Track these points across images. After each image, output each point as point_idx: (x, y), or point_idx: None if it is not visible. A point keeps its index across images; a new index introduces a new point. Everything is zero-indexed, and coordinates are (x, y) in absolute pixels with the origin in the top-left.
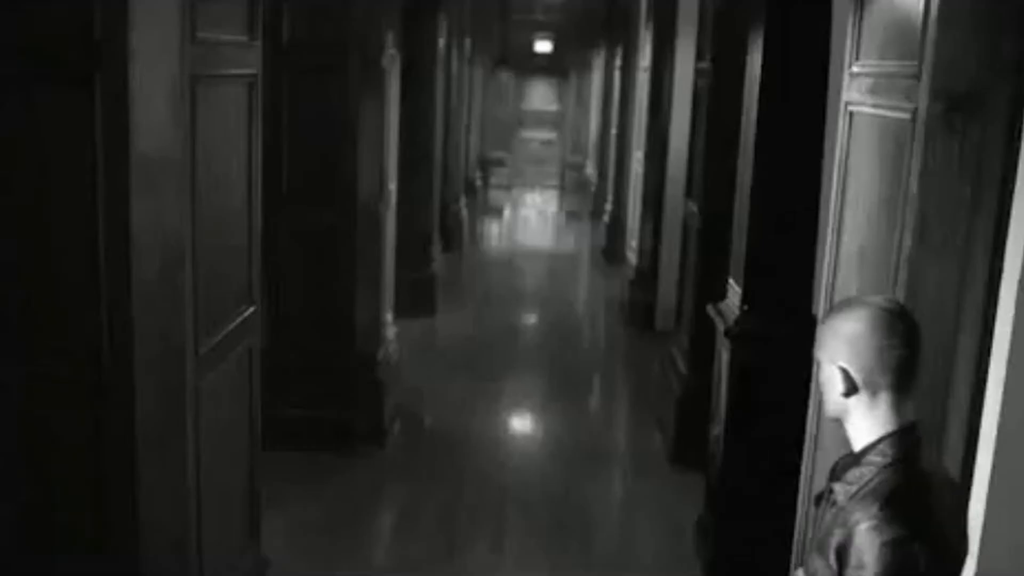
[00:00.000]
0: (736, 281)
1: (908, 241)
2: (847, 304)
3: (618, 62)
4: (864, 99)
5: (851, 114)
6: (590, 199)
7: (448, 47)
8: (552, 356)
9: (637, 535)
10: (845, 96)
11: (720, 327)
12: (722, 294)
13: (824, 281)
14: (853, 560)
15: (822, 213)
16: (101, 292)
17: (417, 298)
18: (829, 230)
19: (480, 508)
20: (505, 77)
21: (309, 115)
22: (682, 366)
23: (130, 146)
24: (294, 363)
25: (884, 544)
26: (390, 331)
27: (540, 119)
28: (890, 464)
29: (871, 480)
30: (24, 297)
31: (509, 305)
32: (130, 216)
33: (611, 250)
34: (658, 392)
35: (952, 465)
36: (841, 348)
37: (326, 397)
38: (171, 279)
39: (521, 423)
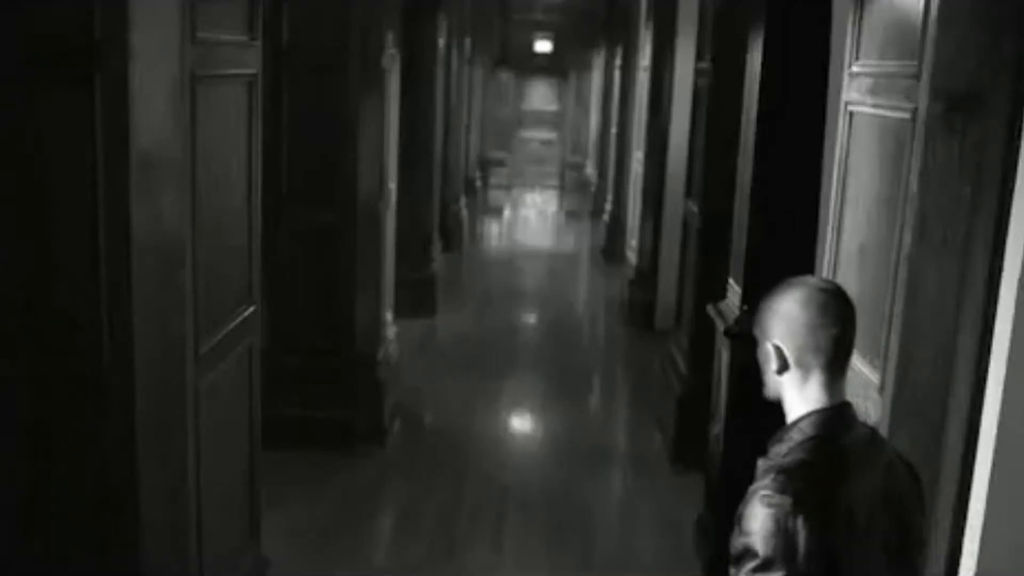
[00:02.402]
0: (736, 281)
1: (908, 240)
2: (785, 284)
3: (618, 62)
4: (864, 99)
5: (851, 114)
6: (590, 199)
7: (448, 47)
8: (552, 356)
9: (637, 534)
10: (845, 96)
11: (720, 327)
12: (722, 294)
13: None
14: (743, 526)
15: (822, 212)
16: (101, 292)
17: (417, 298)
18: (829, 229)
19: (480, 508)
20: (505, 77)
21: (309, 115)
22: (682, 366)
23: (130, 146)
24: (294, 363)
25: (768, 514)
26: (390, 331)
27: (540, 119)
28: (806, 440)
29: (786, 455)
30: (24, 297)
31: (509, 305)
32: (130, 216)
33: (611, 250)
34: (658, 392)
35: (952, 464)
36: (776, 326)
37: (326, 397)
38: (171, 279)
39: (521, 423)
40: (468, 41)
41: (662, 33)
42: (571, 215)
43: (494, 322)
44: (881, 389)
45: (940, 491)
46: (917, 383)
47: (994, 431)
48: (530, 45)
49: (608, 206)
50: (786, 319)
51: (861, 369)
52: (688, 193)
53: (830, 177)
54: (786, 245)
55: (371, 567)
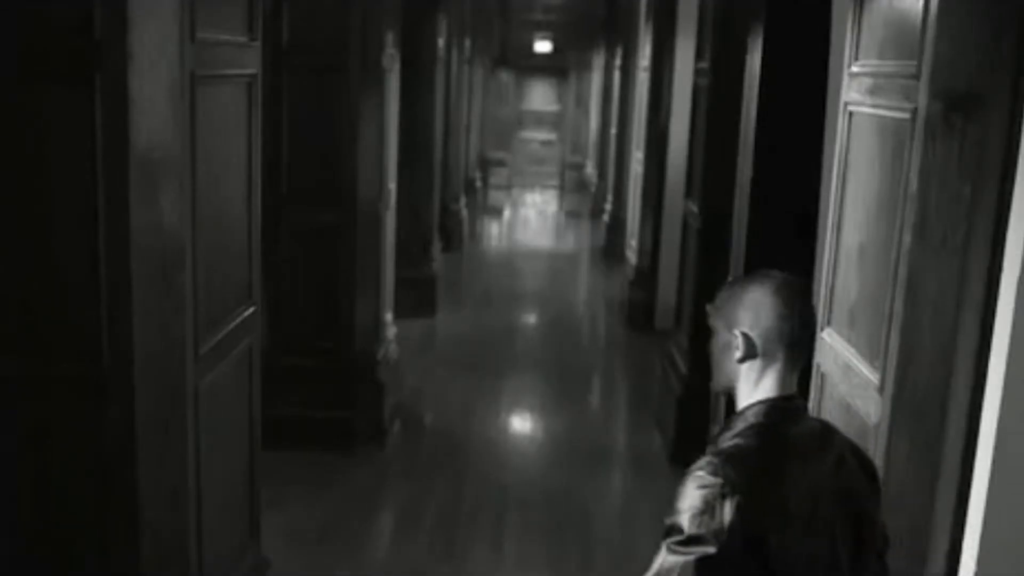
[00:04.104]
0: None
1: (908, 239)
2: (749, 276)
3: (618, 62)
4: (864, 99)
5: (851, 114)
6: (590, 199)
7: (448, 47)
8: (552, 356)
9: (637, 535)
10: (845, 96)
11: None
12: None
13: (824, 280)
14: (675, 504)
15: (822, 212)
16: (101, 292)
17: (417, 298)
18: (829, 228)
19: (480, 508)
20: (505, 77)
21: (309, 115)
22: (682, 366)
23: (130, 146)
24: (294, 363)
25: (698, 495)
26: (390, 331)
27: (540, 119)
28: (748, 427)
29: (727, 441)
30: (24, 297)
31: (509, 305)
32: (130, 216)
33: (611, 250)
34: (658, 392)
35: (952, 464)
36: (744, 315)
37: (326, 397)
38: (171, 279)
39: (521, 423)
40: (468, 41)
41: (662, 33)
42: (571, 215)
43: (494, 322)
44: (881, 389)
45: (940, 491)
46: (917, 383)
47: (994, 431)
48: (530, 45)
49: (608, 206)
50: (756, 307)
51: (861, 369)
52: (688, 193)
53: (830, 177)
54: (786, 245)
55: (371, 567)
